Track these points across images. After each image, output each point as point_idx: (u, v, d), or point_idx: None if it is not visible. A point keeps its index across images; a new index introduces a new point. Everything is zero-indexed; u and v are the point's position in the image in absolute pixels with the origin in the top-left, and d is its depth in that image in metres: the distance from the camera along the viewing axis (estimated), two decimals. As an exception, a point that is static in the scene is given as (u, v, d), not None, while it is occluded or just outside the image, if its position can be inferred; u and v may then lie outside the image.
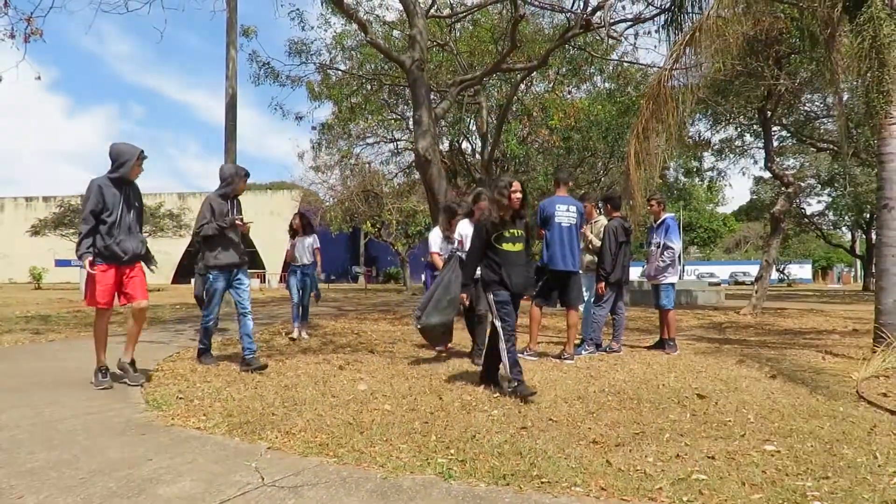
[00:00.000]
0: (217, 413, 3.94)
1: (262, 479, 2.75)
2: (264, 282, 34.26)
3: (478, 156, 21.40)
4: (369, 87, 19.00)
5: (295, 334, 8.06)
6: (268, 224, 38.80)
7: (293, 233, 8.18)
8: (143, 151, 4.71)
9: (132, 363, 4.94)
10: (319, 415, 3.91)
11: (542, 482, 2.69)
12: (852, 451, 3.15)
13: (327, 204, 30.22)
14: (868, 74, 6.53)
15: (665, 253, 7.04)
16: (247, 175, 5.73)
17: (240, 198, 5.74)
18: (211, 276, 5.53)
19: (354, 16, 12.73)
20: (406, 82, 12.89)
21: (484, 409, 4.12)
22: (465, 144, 23.21)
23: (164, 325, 9.97)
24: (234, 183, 5.56)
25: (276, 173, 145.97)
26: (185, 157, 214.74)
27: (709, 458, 3.03)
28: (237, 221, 5.50)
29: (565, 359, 6.22)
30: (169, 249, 36.13)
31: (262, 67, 16.76)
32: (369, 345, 7.39)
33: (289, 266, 8.30)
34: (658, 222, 7.24)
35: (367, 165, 25.37)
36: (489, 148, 17.28)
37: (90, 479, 2.74)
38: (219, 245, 5.46)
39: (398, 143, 23.13)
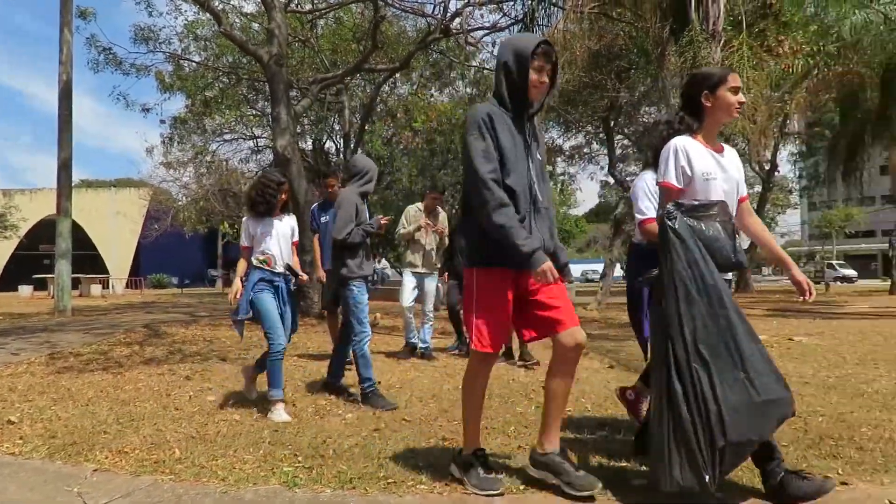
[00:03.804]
0: (37, 435, 3.55)
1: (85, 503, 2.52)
2: (107, 287, 31.32)
3: (341, 156, 21.13)
4: (226, 80, 18.11)
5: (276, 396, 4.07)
6: (112, 225, 35.62)
7: (267, 208, 4.41)
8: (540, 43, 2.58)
9: (563, 452, 2.68)
10: (159, 430, 3.66)
11: (388, 483, 2.71)
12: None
13: (180, 203, 28.22)
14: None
15: None
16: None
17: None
18: (355, 289, 4.53)
19: (207, 4, 12.08)
20: (265, 77, 12.44)
21: (338, 413, 4.09)
22: (328, 144, 22.87)
23: (-20, 338, 8.81)
24: (374, 178, 4.75)
25: (121, 169, 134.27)
26: (14, 148, 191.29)
27: (548, 446, 3.21)
28: (383, 221, 4.74)
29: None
30: (-9, 252, 32.19)
31: (101, 52, 15.43)
32: (221, 352, 7.02)
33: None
34: None
35: (224, 163, 24.10)
36: (352, 148, 17.16)
37: None
38: (361, 252, 4.61)
39: (258, 140, 22.26)
